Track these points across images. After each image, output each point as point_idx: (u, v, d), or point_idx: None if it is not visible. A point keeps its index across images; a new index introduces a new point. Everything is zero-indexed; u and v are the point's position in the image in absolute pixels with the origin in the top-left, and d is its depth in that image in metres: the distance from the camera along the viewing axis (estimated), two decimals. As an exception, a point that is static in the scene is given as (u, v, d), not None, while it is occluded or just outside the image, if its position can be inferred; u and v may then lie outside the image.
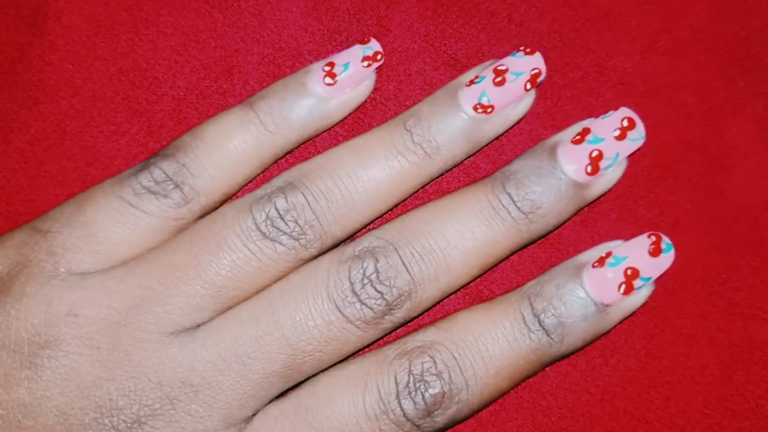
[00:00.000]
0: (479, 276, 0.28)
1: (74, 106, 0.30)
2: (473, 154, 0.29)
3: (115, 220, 0.26)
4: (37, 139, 0.30)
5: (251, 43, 0.31)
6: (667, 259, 0.27)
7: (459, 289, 0.28)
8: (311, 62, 0.31)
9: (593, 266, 0.26)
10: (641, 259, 0.26)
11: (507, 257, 0.28)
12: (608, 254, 0.27)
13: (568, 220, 0.28)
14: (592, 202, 0.29)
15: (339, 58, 0.29)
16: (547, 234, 0.28)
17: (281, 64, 0.31)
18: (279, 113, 0.28)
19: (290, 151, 0.29)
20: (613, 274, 0.26)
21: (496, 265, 0.28)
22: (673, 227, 0.29)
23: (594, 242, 0.29)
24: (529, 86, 0.28)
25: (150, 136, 0.30)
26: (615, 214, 0.30)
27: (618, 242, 0.27)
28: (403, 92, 0.31)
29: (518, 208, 0.27)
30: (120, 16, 0.30)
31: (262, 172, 0.29)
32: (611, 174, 0.28)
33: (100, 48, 0.30)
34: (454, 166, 0.29)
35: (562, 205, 0.27)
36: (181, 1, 0.30)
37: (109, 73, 0.30)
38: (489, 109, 0.28)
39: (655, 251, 0.26)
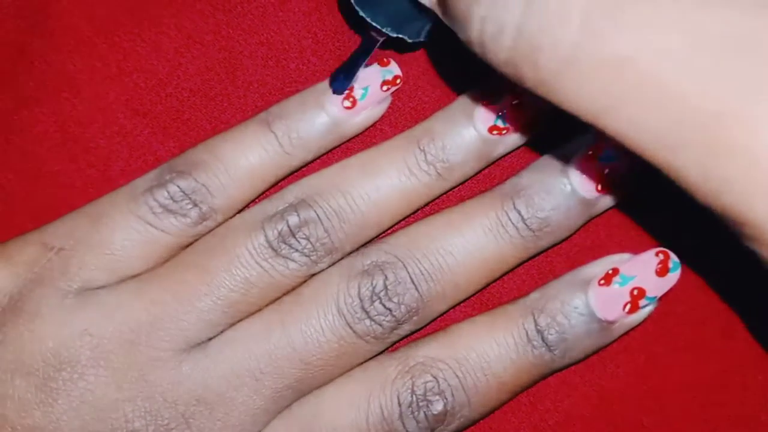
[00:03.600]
0: (484, 288, 0.28)
1: (76, 107, 0.29)
2: (485, 168, 0.29)
3: (133, 239, 0.26)
4: (38, 139, 0.29)
5: (255, 44, 0.30)
6: (673, 277, 0.27)
7: (465, 301, 0.28)
8: (315, 63, 0.30)
9: (599, 284, 0.26)
10: (648, 278, 0.26)
11: (512, 270, 0.28)
12: (615, 272, 0.27)
13: (573, 233, 0.28)
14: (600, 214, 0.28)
15: (359, 80, 0.28)
16: (553, 246, 0.28)
17: (285, 66, 0.30)
18: (297, 135, 0.27)
19: (305, 166, 0.29)
20: (620, 294, 0.26)
21: (501, 277, 0.28)
22: (674, 231, 0.29)
23: (594, 242, 0.29)
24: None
25: (153, 137, 0.30)
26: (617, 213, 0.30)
27: (624, 257, 0.27)
28: (417, 92, 0.30)
29: (527, 226, 0.27)
30: (122, 16, 0.30)
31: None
32: (620, 192, 0.28)
33: (102, 48, 0.30)
34: (466, 180, 0.29)
35: (571, 222, 0.27)
36: (184, 2, 0.30)
37: (111, 73, 0.30)
38: (504, 131, 0.28)
39: (663, 271, 0.26)
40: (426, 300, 0.26)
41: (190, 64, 0.30)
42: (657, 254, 0.27)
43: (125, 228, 0.26)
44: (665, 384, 0.30)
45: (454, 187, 0.28)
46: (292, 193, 0.27)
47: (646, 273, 0.26)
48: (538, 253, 0.28)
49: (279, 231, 0.26)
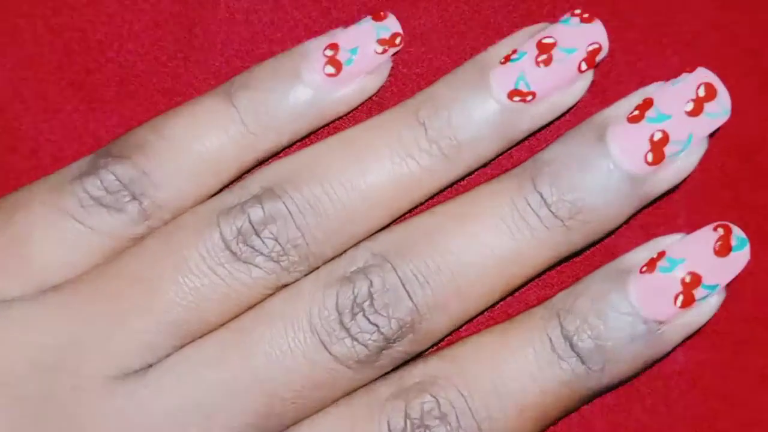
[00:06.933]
0: (501, 300, 0.25)
1: (-8, 76, 0.27)
2: (506, 151, 0.26)
3: (54, 237, 0.24)
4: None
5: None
6: (739, 259, 0.24)
7: (476, 317, 0.25)
8: (296, 18, 0.28)
9: (641, 271, 0.24)
10: (705, 260, 0.24)
11: (538, 276, 0.25)
12: (661, 255, 0.24)
13: (621, 226, 0.25)
14: (655, 201, 0.25)
15: (345, 38, 0.26)
16: (592, 245, 0.25)
17: (256, 22, 0.28)
18: (265, 110, 0.25)
19: (278, 153, 0.26)
20: (668, 282, 0.23)
21: (523, 286, 0.25)
22: (750, 227, 0.25)
23: (645, 237, 0.26)
24: (584, 66, 0.25)
25: (90, 114, 0.28)
26: (680, 200, 0.27)
27: (675, 237, 0.25)
28: (425, 66, 0.28)
29: (553, 213, 0.24)
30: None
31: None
32: (682, 163, 0.24)
33: (25, 3, 0.28)
34: (481, 167, 0.26)
35: (613, 208, 0.24)
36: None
37: (38, 33, 0.28)
38: (529, 97, 0.25)
39: (723, 249, 0.24)
40: (423, 312, 0.24)
41: (137, 21, 0.28)
42: (715, 229, 0.24)
43: (45, 223, 0.24)
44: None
45: (467, 174, 0.26)
46: (257, 181, 0.25)
47: (701, 254, 0.24)
48: (574, 254, 0.25)
49: (238, 228, 0.24)
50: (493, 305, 0.25)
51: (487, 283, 0.24)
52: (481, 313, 0.25)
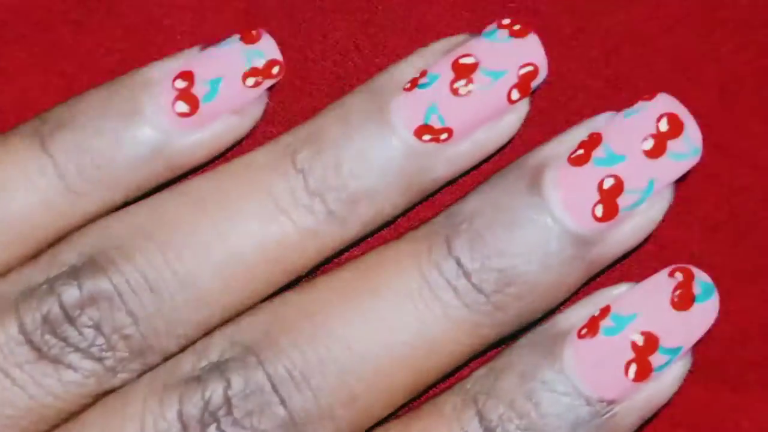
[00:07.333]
0: (411, 401, 0.22)
1: None
2: (416, 206, 0.23)
3: None
4: None
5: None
6: (706, 311, 0.21)
7: (374, 428, 0.22)
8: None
9: (580, 335, 0.21)
10: (661, 315, 0.21)
11: (458, 369, 0.22)
12: (605, 312, 0.21)
13: (567, 299, 0.22)
14: (609, 267, 0.23)
15: (204, 65, 0.22)
16: (531, 324, 0.22)
17: None
18: (91, 159, 0.22)
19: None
20: (616, 347, 0.21)
21: (438, 383, 0.22)
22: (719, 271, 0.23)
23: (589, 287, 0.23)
24: (516, 95, 0.21)
25: None
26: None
27: (622, 287, 0.22)
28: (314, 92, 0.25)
29: (474, 286, 0.21)
30: None
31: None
32: (641, 219, 0.22)
33: None
34: (389, 222, 0.23)
35: (554, 278, 0.21)
36: None
37: None
38: (444, 135, 0.21)
39: (684, 299, 0.21)
40: (300, 423, 0.20)
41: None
42: (672, 274, 0.21)
43: None
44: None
45: (365, 237, 0.22)
46: (74, 246, 0.21)
47: (656, 305, 0.21)
48: (507, 337, 0.22)
49: (44, 315, 0.20)
50: (396, 411, 0.22)
51: (387, 382, 0.21)
52: (382, 422, 0.22)
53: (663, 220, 0.24)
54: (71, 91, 0.24)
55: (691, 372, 0.23)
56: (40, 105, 0.24)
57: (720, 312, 0.22)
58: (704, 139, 0.23)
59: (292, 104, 0.25)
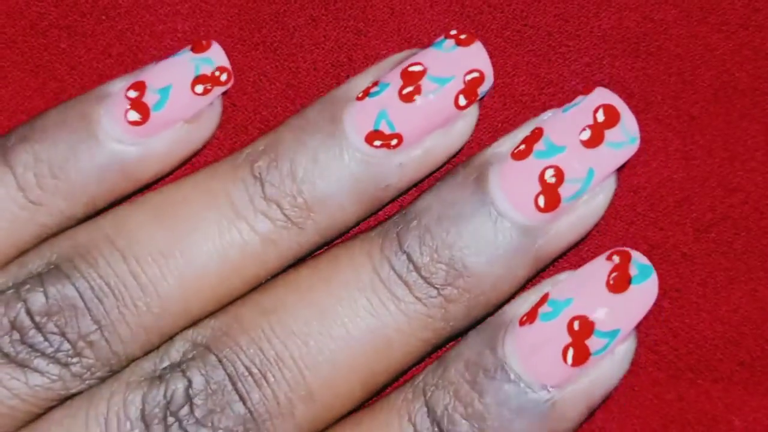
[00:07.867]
0: (368, 398, 0.22)
1: None
2: (373, 214, 0.23)
3: None
4: None
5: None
6: (644, 293, 0.20)
7: (335, 424, 0.22)
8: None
9: (521, 323, 0.21)
10: (596, 298, 0.20)
11: (414, 364, 0.22)
12: (544, 299, 0.21)
13: (516, 292, 0.21)
14: (556, 259, 0.22)
15: (154, 74, 0.22)
16: (483, 318, 0.21)
17: None
18: (49, 172, 0.22)
19: (74, 226, 0.23)
20: (552, 333, 0.20)
21: (394, 380, 0.22)
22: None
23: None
24: (463, 101, 0.21)
25: None
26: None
27: (563, 275, 0.22)
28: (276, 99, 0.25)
29: (424, 279, 0.21)
30: None
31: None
32: (585, 209, 0.22)
33: None
34: (345, 231, 0.22)
35: (501, 270, 0.21)
36: None
37: None
38: (394, 141, 0.21)
39: (619, 282, 0.20)
40: (261, 419, 0.20)
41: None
42: (609, 257, 0.21)
43: None
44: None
45: (324, 244, 0.22)
46: (40, 254, 0.22)
47: (592, 291, 0.20)
48: (461, 332, 0.21)
49: (11, 321, 0.21)
50: (356, 408, 0.21)
51: (344, 377, 0.21)
52: (341, 418, 0.22)
53: (655, 221, 0.24)
54: (65, 95, 0.24)
55: (691, 372, 0.23)
56: (33, 108, 0.24)
57: (712, 312, 0.22)
58: (698, 141, 0.24)
59: (283, 113, 0.25)
